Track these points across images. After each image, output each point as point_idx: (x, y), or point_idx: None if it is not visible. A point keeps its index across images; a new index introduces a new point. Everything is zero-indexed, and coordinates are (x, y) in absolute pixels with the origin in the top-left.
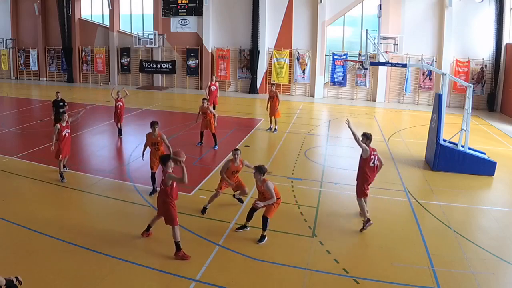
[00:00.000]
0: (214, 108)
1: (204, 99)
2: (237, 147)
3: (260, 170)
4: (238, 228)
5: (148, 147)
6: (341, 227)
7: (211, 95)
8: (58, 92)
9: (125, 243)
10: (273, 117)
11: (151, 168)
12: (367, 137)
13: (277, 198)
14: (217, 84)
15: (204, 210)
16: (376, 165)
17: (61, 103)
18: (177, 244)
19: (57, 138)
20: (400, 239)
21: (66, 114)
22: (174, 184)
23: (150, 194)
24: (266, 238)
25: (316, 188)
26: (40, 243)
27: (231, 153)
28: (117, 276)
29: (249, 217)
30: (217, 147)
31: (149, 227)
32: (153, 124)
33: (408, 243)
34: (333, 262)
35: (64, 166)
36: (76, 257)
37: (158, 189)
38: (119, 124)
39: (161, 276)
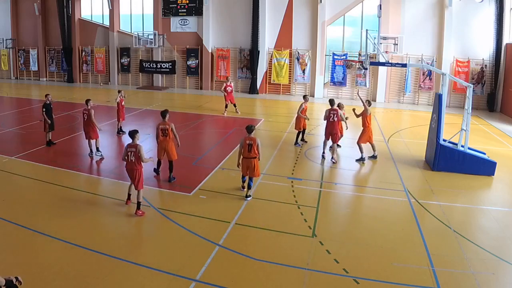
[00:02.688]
0: (235, 106)
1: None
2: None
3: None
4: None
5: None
6: (341, 227)
7: (228, 95)
8: (48, 95)
9: (125, 243)
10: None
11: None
12: (330, 102)
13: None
14: (232, 84)
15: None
16: (334, 120)
17: (51, 106)
18: (139, 204)
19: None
20: (400, 239)
21: (91, 100)
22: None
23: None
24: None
25: (316, 188)
26: (40, 243)
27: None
28: (117, 276)
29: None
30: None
31: (129, 195)
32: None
33: (408, 243)
34: (333, 262)
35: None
36: (76, 257)
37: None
38: (121, 121)
39: (161, 276)
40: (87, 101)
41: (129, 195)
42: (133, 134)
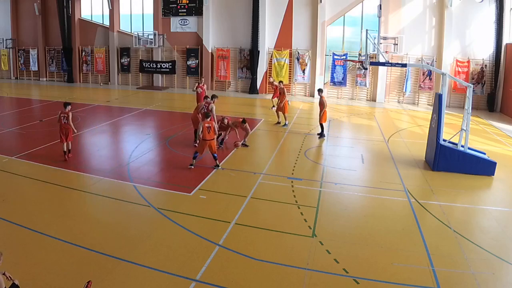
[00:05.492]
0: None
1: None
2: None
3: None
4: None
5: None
6: (341, 227)
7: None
8: None
9: (125, 243)
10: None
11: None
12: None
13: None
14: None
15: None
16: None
17: None
18: (70, 151)
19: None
20: (400, 239)
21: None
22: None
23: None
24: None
25: (316, 188)
26: (40, 243)
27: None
28: (117, 276)
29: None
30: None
31: (64, 152)
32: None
33: (408, 243)
34: (333, 262)
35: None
36: (76, 257)
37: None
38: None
39: (161, 276)
40: (66, 104)
41: (65, 152)
42: (65, 104)
